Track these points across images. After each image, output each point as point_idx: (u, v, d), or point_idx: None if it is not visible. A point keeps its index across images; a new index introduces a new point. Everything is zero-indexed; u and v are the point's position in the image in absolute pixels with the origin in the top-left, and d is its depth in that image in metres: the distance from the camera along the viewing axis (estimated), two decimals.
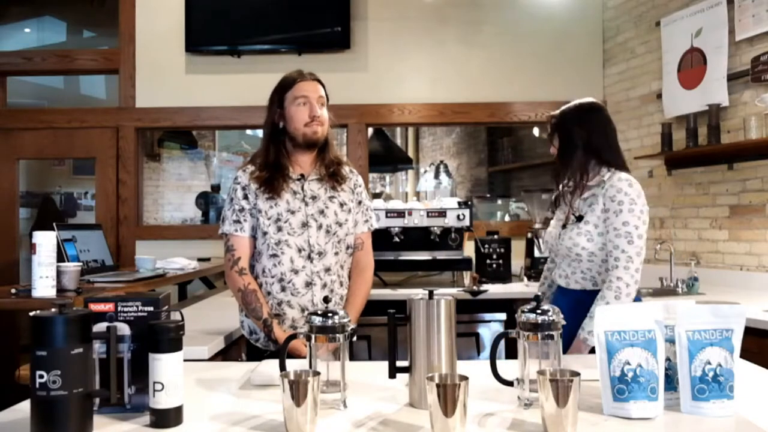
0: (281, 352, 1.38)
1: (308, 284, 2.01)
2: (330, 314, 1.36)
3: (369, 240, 2.19)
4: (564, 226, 2.09)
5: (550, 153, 2.21)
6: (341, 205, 2.08)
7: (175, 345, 1.22)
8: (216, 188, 6.47)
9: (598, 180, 2.06)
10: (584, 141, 2.06)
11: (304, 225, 2.02)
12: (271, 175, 2.02)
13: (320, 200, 2.05)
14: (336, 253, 2.05)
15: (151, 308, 1.28)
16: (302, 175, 2.07)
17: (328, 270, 2.03)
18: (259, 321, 1.98)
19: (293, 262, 2.01)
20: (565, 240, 2.05)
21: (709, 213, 3.51)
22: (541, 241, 3.41)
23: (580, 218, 2.04)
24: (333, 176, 2.08)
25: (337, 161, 2.12)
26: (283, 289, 2.01)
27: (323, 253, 2.03)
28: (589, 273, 2.05)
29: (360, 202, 2.15)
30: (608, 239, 1.98)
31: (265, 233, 2.01)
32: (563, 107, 2.17)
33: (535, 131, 6.03)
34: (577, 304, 2.01)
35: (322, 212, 2.05)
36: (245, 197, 2.04)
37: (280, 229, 2.01)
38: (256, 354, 2.07)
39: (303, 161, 2.09)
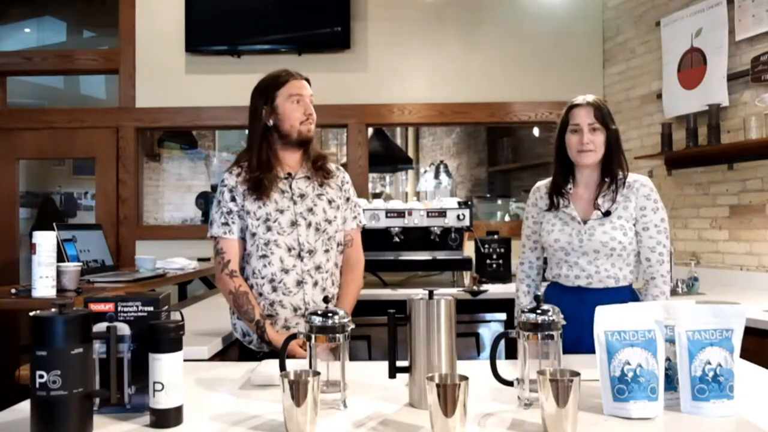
0: (281, 352, 1.38)
1: (299, 283, 2.00)
2: (330, 314, 1.36)
3: (358, 236, 2.19)
4: (585, 222, 2.05)
5: (579, 146, 2.04)
6: (329, 202, 2.08)
7: (175, 345, 1.22)
8: (216, 188, 6.46)
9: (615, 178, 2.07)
10: (619, 139, 2.10)
11: (293, 224, 2.02)
12: (262, 176, 2.01)
13: (308, 198, 2.05)
14: (326, 251, 2.04)
15: (151, 308, 1.28)
16: (290, 174, 2.06)
17: (318, 268, 2.02)
18: (252, 323, 1.97)
19: (283, 261, 2.00)
20: (597, 235, 2.02)
21: (709, 213, 3.51)
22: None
23: (607, 213, 2.03)
24: (320, 170, 2.08)
25: (321, 155, 2.12)
26: (275, 289, 2.00)
27: (313, 251, 2.02)
28: (613, 269, 2.03)
29: (348, 199, 2.15)
30: (648, 235, 2.04)
31: (253, 234, 2.01)
32: (595, 98, 2.07)
33: (535, 131, 6.03)
34: (602, 304, 1.91)
35: (310, 210, 2.04)
36: (233, 199, 2.03)
37: (269, 229, 2.00)
38: (249, 356, 2.05)
39: (291, 159, 2.08)
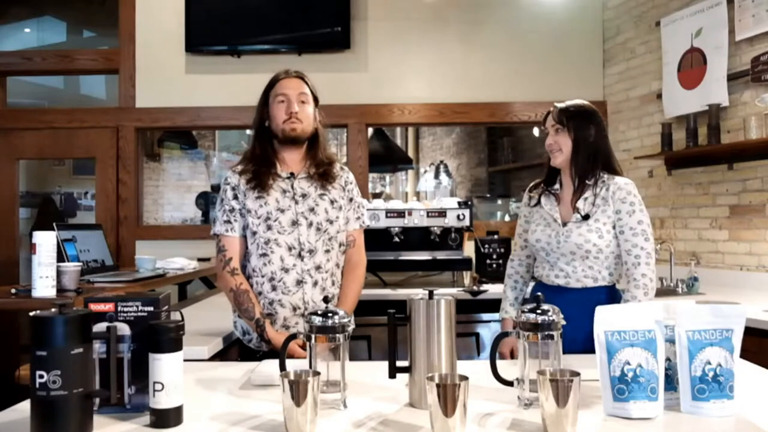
0: (281, 352, 1.38)
1: (299, 282, 2.00)
2: (330, 314, 1.36)
3: (361, 237, 2.19)
4: (564, 224, 2.10)
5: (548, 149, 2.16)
6: (332, 202, 2.08)
7: (175, 345, 1.22)
8: (216, 188, 6.47)
9: (596, 181, 2.11)
10: (596, 142, 2.11)
11: (294, 223, 2.02)
12: (258, 169, 2.03)
13: (310, 198, 2.05)
14: (327, 251, 2.05)
15: (151, 308, 1.28)
16: (292, 174, 2.07)
17: (318, 268, 2.03)
18: (252, 321, 1.98)
19: (283, 260, 2.00)
20: (573, 237, 2.06)
21: (709, 213, 3.51)
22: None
23: (586, 217, 2.07)
24: (323, 176, 2.08)
25: (329, 161, 2.11)
26: (274, 288, 2.01)
27: (314, 251, 2.02)
28: (591, 271, 2.07)
29: (351, 200, 2.14)
30: (624, 239, 2.05)
31: (254, 233, 2.02)
32: (571, 103, 2.14)
33: (535, 131, 6.02)
34: (580, 303, 2.01)
35: (312, 210, 2.04)
36: (235, 197, 2.05)
37: (269, 227, 2.01)
38: (249, 355, 2.06)
39: (291, 159, 2.09)
